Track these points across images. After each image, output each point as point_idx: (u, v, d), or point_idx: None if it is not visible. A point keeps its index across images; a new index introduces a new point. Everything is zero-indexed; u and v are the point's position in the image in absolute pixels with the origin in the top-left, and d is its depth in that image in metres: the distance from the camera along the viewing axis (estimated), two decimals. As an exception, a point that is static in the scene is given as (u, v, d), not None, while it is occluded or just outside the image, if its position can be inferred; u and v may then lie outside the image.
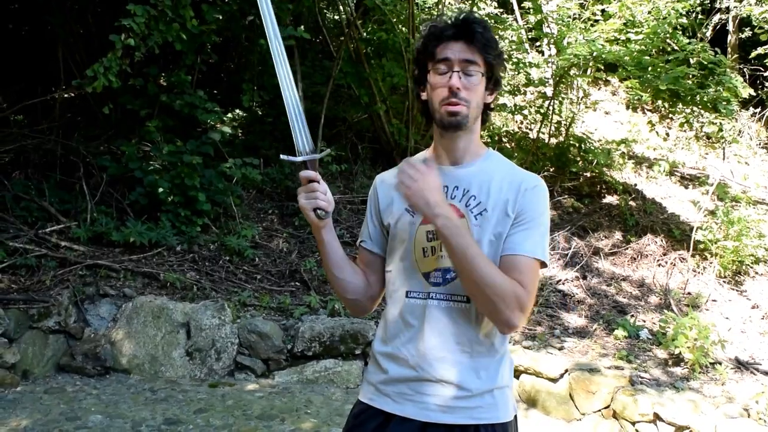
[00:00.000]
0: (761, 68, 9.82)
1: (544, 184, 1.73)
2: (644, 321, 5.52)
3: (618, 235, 7.03)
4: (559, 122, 8.51)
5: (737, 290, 6.21)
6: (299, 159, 1.66)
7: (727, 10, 10.52)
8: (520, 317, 1.58)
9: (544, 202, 1.70)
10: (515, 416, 1.73)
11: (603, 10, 8.19)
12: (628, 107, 10.67)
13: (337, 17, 8.43)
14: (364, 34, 7.86)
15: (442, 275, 1.67)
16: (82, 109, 7.38)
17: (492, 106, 1.76)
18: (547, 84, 8.47)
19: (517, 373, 4.65)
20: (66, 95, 7.20)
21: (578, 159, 8.08)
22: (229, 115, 7.55)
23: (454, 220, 1.57)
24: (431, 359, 1.66)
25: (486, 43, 1.63)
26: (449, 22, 1.65)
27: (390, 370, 1.70)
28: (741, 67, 10.63)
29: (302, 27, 6.67)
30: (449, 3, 9.09)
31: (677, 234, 7.01)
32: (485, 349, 1.67)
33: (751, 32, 9.86)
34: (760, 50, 8.82)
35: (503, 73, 1.74)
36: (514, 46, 8.75)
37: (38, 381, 4.59)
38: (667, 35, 7.43)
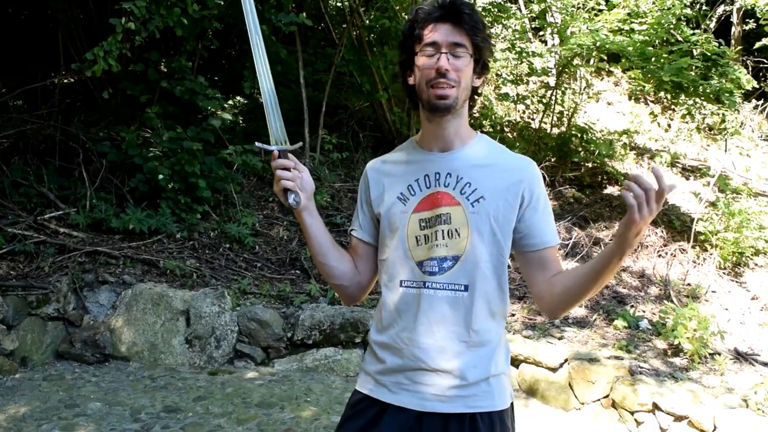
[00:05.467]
0: (765, 60, 9.78)
1: (534, 162, 1.77)
2: (644, 311, 5.52)
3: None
4: (561, 112, 8.48)
5: (737, 282, 6.21)
6: (273, 148, 1.65)
7: (732, 1, 10.46)
8: None
9: (543, 183, 1.74)
10: (512, 404, 1.72)
11: (607, 0, 8.14)
12: (630, 98, 10.63)
13: (339, 4, 8.38)
14: (367, 21, 7.81)
15: (438, 264, 1.65)
16: (81, 95, 7.36)
17: (479, 90, 1.74)
18: (549, 74, 8.43)
19: (517, 363, 4.65)
20: (65, 80, 7.17)
21: (580, 149, 8.05)
22: (230, 102, 7.52)
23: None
24: (427, 348, 1.64)
25: (474, 25, 1.61)
26: (436, 4, 1.63)
27: (386, 359, 1.69)
28: (744, 58, 10.59)
29: (304, 14, 6.62)
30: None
31: (678, 225, 7.00)
32: (481, 337, 1.66)
33: (755, 24, 9.81)
34: (765, 41, 8.77)
35: (490, 57, 1.72)
36: (517, 35, 8.71)
37: (37, 368, 4.59)
38: (671, 26, 7.38)
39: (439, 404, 1.63)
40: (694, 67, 7.06)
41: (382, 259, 1.75)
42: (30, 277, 4.88)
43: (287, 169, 1.63)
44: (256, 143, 1.68)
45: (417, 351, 1.65)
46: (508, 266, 1.79)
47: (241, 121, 7.62)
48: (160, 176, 5.71)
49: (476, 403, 1.64)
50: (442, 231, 1.65)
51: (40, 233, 5.28)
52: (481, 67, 1.67)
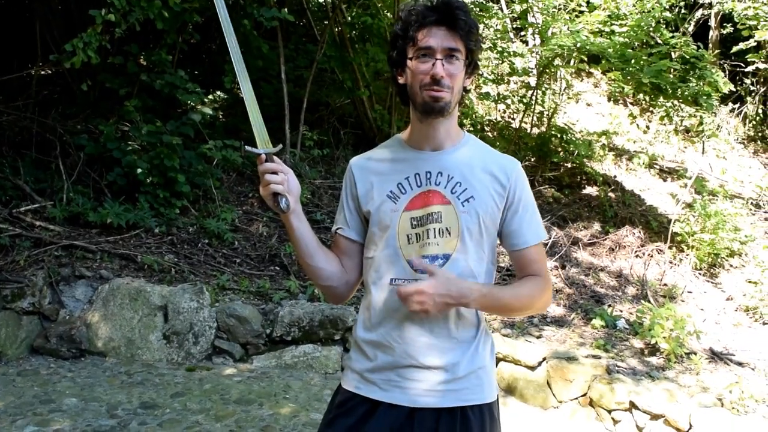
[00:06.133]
0: (741, 64, 9.91)
1: (519, 163, 1.79)
2: (621, 311, 5.58)
3: (597, 226, 7.08)
4: (541, 112, 8.54)
5: (712, 282, 6.30)
6: (261, 151, 1.62)
7: (710, 5, 10.58)
8: (550, 301, 1.78)
9: (528, 182, 1.78)
10: (497, 396, 1.75)
11: (588, 2, 8.20)
12: (609, 99, 10.73)
13: (321, 0, 8.34)
14: (349, 18, 7.79)
15: (431, 262, 1.65)
16: (59, 87, 7.24)
17: (468, 89, 1.75)
18: (530, 74, 8.48)
19: (496, 361, 4.65)
20: (43, 72, 7.05)
21: (559, 149, 8.11)
22: (210, 96, 7.45)
23: (483, 292, 1.61)
24: (419, 346, 1.65)
25: (469, 30, 1.61)
26: (430, 6, 1.62)
27: (376, 357, 1.69)
28: (722, 62, 10.73)
29: (286, 9, 6.57)
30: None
31: (655, 226, 7.08)
32: (468, 332, 1.69)
33: (732, 28, 9.94)
34: (741, 45, 8.90)
35: (480, 57, 1.74)
36: (498, 35, 8.74)
37: (11, 363, 4.51)
38: (651, 28, 7.47)
39: (430, 399, 1.64)
40: (672, 70, 7.15)
41: (369, 257, 1.74)
42: (5, 270, 4.79)
43: (275, 173, 1.60)
44: (246, 147, 1.65)
45: (408, 348, 1.65)
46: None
47: (221, 116, 7.56)
48: (139, 170, 5.64)
49: (467, 396, 1.66)
50: (434, 229, 1.66)
51: (16, 226, 5.19)
52: (472, 68, 1.68)
